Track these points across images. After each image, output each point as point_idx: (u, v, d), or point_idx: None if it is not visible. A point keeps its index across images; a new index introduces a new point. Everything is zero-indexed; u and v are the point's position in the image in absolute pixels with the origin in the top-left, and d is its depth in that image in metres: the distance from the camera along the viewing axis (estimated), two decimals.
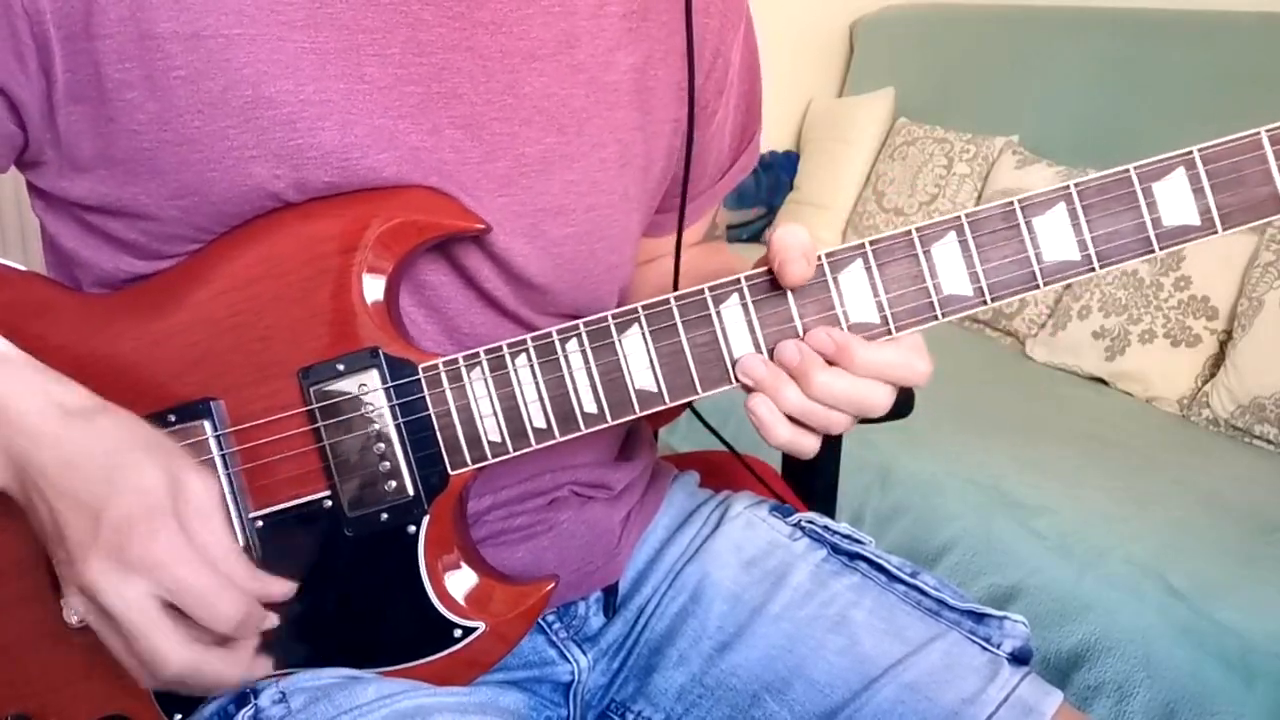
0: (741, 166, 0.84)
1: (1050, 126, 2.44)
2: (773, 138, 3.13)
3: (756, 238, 3.06)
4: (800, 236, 0.59)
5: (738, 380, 0.61)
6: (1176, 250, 0.59)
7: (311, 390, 0.61)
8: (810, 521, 0.79)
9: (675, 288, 0.69)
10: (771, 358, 0.61)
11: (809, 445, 0.62)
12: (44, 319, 0.62)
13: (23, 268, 0.64)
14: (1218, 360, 1.91)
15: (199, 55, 0.57)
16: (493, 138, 0.64)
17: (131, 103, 0.57)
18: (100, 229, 0.62)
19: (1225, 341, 1.90)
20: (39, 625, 0.62)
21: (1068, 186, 0.58)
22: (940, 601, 0.72)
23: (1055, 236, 0.59)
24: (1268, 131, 0.57)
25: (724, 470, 1.02)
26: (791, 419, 0.61)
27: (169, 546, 0.53)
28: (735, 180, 0.84)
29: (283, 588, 0.59)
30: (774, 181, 3.05)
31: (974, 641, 0.70)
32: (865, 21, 3.11)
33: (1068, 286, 2.21)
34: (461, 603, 0.64)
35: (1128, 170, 0.58)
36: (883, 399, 0.61)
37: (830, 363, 0.60)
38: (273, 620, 0.59)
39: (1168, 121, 2.17)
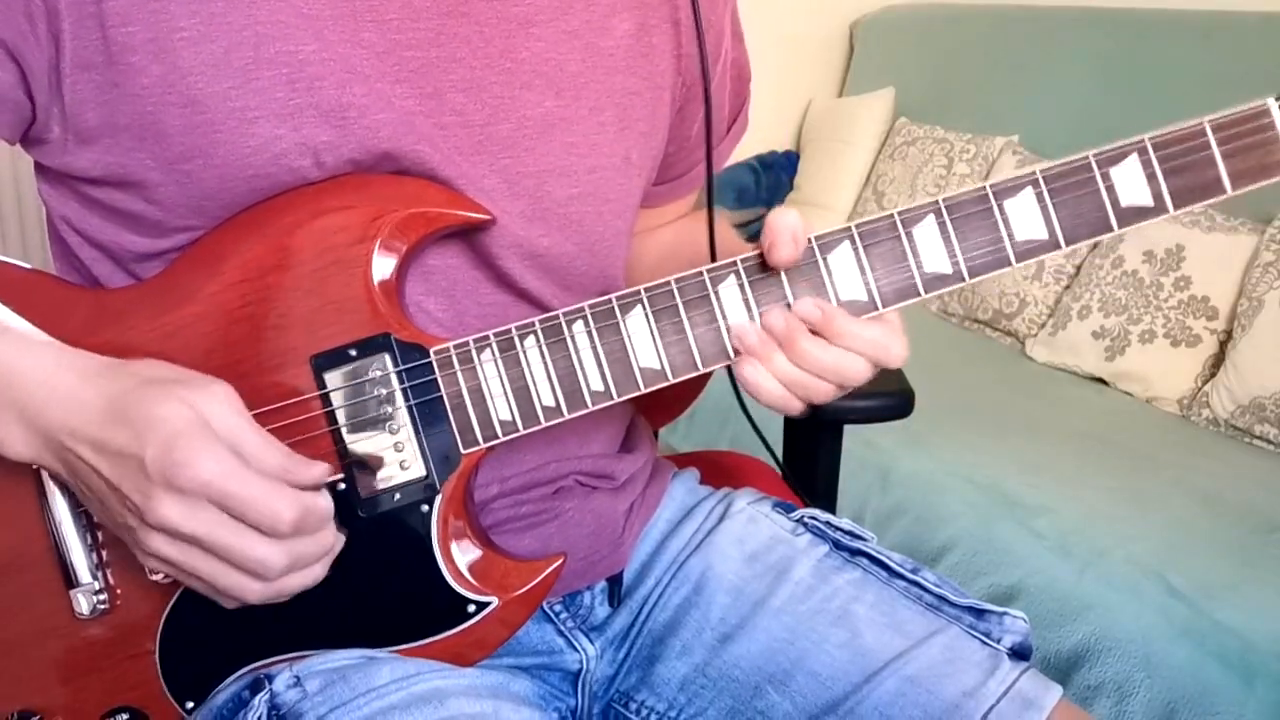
0: (735, 134, 0.86)
1: (1050, 126, 2.44)
2: (773, 138, 3.14)
3: (756, 237, 3.05)
4: (790, 219, 0.61)
5: (732, 347, 0.63)
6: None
7: (325, 376, 0.62)
8: (812, 517, 0.79)
9: (712, 254, 0.71)
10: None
11: (794, 407, 0.64)
12: (54, 316, 0.62)
13: (28, 265, 0.64)
14: (1218, 360, 1.91)
15: (201, 17, 0.58)
16: (494, 100, 0.65)
17: (135, 66, 0.58)
18: (104, 204, 0.63)
19: (1225, 341, 1.90)
20: (45, 620, 0.63)
21: (1034, 172, 0.63)
22: (941, 597, 0.73)
23: (1024, 218, 0.63)
24: (1209, 122, 0.63)
25: (724, 469, 1.02)
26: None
27: (210, 464, 0.54)
28: (732, 145, 0.87)
29: (314, 471, 0.59)
30: (774, 181, 3.06)
31: (974, 636, 0.70)
32: (865, 21, 3.11)
33: (1068, 286, 2.21)
34: (474, 579, 0.65)
35: (1087, 156, 0.63)
36: (862, 371, 0.63)
37: (814, 332, 0.62)
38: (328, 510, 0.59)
39: (1168, 121, 2.16)
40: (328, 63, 0.60)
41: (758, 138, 3.08)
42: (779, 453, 1.08)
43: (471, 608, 0.65)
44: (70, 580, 0.62)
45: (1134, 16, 2.37)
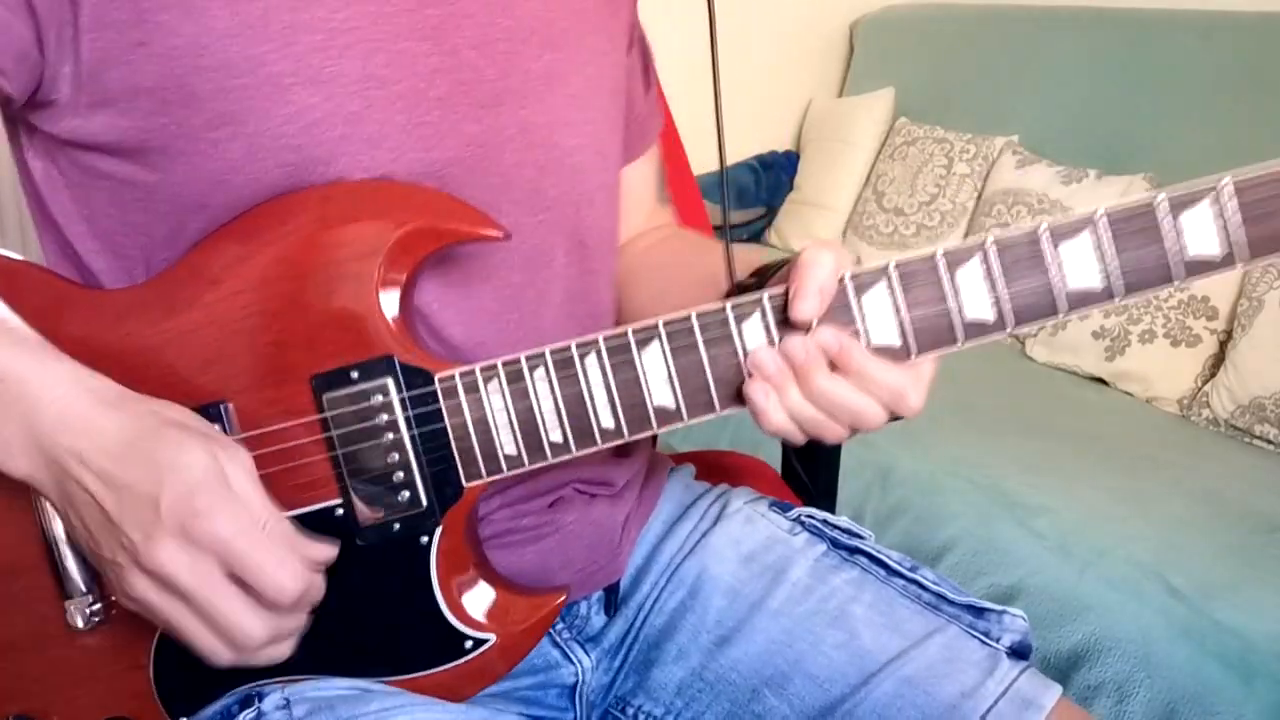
0: (656, 88, 0.89)
1: (1050, 126, 2.43)
2: (773, 138, 3.13)
3: (756, 237, 3.05)
4: (823, 270, 0.58)
5: (748, 373, 0.60)
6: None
7: (324, 397, 0.60)
8: (810, 516, 0.79)
9: (729, 274, 0.69)
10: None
11: (798, 439, 0.62)
12: (56, 314, 0.61)
13: (28, 260, 0.63)
14: (1218, 360, 1.91)
15: None
16: (502, 56, 0.66)
17: (165, 25, 0.56)
18: (112, 177, 0.61)
19: (1225, 341, 1.90)
20: (42, 625, 0.62)
21: (1092, 214, 0.57)
22: (939, 596, 0.72)
23: (1080, 264, 0.58)
24: None
25: (722, 468, 1.02)
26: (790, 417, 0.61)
27: (230, 521, 0.53)
28: (660, 99, 0.89)
29: (325, 552, 0.58)
30: (774, 181, 3.05)
31: (973, 635, 0.70)
32: (865, 21, 3.11)
33: None
34: (472, 614, 0.64)
35: (1152, 199, 0.57)
36: (876, 415, 0.60)
37: (833, 367, 0.59)
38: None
39: (1167, 121, 2.16)
40: (355, 30, 0.60)
41: (758, 138, 3.08)
42: (779, 451, 1.08)
43: (469, 644, 0.64)
44: (66, 591, 0.61)
45: (1134, 16, 2.36)
